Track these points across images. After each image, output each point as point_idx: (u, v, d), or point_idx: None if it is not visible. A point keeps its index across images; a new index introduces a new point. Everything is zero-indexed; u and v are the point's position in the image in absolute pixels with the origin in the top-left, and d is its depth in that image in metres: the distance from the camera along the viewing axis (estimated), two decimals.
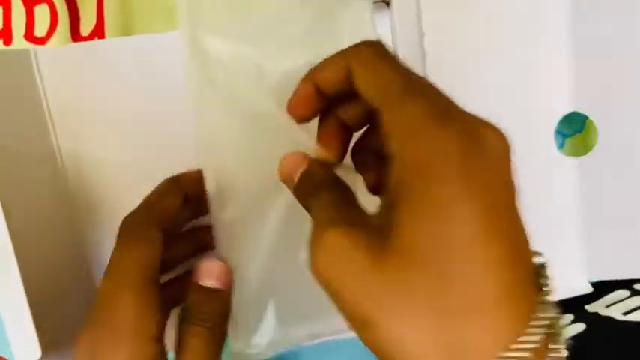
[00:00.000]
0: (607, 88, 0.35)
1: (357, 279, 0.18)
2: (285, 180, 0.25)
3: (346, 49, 0.23)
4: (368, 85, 0.21)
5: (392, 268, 0.18)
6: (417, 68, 0.37)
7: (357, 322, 0.18)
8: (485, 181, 0.18)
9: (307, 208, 0.23)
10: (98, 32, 0.44)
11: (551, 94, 0.36)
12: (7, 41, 0.43)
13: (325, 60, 0.24)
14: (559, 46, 0.35)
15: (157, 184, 0.31)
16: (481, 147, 0.18)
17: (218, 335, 0.27)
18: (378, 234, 0.19)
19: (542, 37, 0.35)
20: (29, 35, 0.43)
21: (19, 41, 0.43)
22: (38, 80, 0.35)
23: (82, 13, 0.44)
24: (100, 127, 0.35)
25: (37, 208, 0.33)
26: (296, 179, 0.24)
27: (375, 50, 0.22)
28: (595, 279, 0.37)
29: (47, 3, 0.43)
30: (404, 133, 0.19)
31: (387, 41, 0.37)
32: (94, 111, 0.35)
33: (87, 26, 0.44)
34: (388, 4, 0.37)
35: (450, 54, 0.36)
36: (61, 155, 0.36)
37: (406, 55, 0.36)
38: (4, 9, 0.43)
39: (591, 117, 0.34)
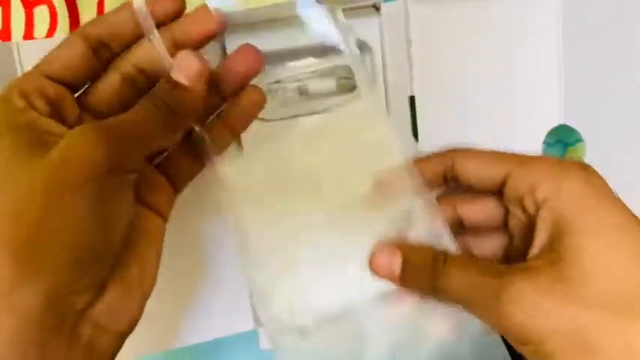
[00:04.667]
0: (595, 101, 0.34)
1: (550, 319, 0.21)
2: (385, 276, 0.25)
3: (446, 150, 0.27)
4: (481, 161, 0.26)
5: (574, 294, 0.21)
6: (404, 75, 0.37)
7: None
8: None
9: (437, 291, 0.24)
10: None
11: (541, 104, 0.35)
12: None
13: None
14: (548, 57, 0.35)
15: None
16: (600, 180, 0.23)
17: (167, 123, 0.25)
18: (547, 272, 0.22)
19: (531, 47, 0.35)
20: (28, 36, 0.44)
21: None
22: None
23: (82, 15, 0.45)
24: None
25: None
26: (398, 272, 0.25)
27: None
28: None
29: (47, 4, 0.44)
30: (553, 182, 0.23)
31: (375, 47, 0.37)
32: None
33: None
34: (378, 9, 0.36)
35: (437, 61, 0.35)
36: None
37: (393, 61, 0.36)
38: (3, 9, 0.43)
39: (579, 130, 0.34)
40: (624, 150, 0.34)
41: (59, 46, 0.27)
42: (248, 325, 0.39)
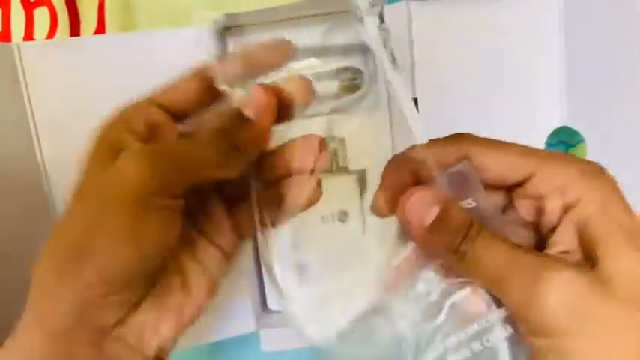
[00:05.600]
0: (596, 102, 0.34)
1: (595, 320, 0.20)
2: (407, 222, 0.24)
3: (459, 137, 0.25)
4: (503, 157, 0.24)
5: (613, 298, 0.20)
6: (406, 76, 0.37)
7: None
8: None
9: (464, 258, 0.22)
10: (99, 33, 0.44)
11: (542, 106, 0.35)
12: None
13: None
14: (550, 58, 0.35)
15: None
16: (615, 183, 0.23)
17: (227, 156, 0.25)
18: (588, 272, 0.21)
19: (533, 48, 0.35)
20: (28, 37, 0.44)
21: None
22: (21, 78, 0.35)
23: (82, 16, 0.45)
24: (86, 129, 0.35)
25: (16, 212, 0.33)
26: (428, 222, 0.23)
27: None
28: None
29: (47, 6, 0.44)
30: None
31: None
32: (80, 112, 0.35)
33: (87, 28, 0.44)
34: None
35: (439, 63, 0.35)
36: (42, 159, 0.36)
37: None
38: (3, 11, 0.43)
39: (580, 131, 0.34)
40: (625, 151, 0.34)
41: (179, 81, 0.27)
42: (250, 327, 0.39)
